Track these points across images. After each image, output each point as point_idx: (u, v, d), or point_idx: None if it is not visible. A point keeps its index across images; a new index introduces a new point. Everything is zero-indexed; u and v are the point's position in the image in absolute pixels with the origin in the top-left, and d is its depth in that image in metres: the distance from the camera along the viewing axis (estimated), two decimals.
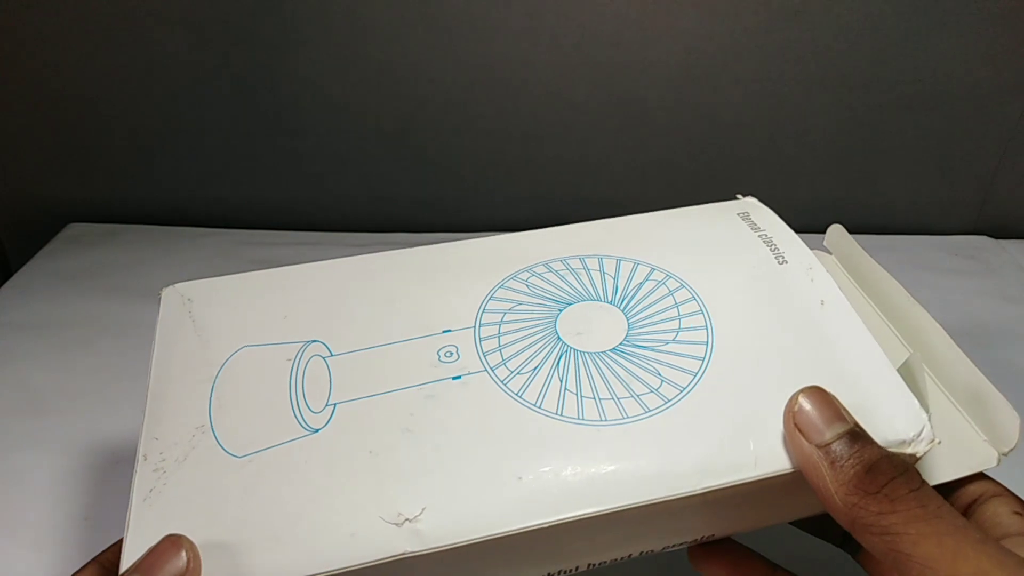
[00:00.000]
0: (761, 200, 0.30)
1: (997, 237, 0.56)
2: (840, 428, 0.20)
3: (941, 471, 0.22)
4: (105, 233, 0.57)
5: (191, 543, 0.19)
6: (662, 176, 0.55)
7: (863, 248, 0.29)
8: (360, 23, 0.49)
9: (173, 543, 0.19)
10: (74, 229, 0.57)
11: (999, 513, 0.22)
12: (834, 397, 0.21)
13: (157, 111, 0.53)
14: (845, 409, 0.21)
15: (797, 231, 0.28)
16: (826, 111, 0.51)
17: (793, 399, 0.21)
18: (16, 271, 0.52)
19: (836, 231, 0.31)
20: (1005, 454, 0.22)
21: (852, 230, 0.56)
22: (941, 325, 0.25)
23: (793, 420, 0.21)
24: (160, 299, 0.26)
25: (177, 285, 0.27)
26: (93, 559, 0.21)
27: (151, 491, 0.21)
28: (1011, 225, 0.56)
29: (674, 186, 0.56)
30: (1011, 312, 0.47)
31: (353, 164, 0.56)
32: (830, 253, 0.31)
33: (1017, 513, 0.21)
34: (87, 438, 0.38)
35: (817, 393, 0.21)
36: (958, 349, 0.24)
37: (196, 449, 0.21)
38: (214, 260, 0.53)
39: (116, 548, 0.21)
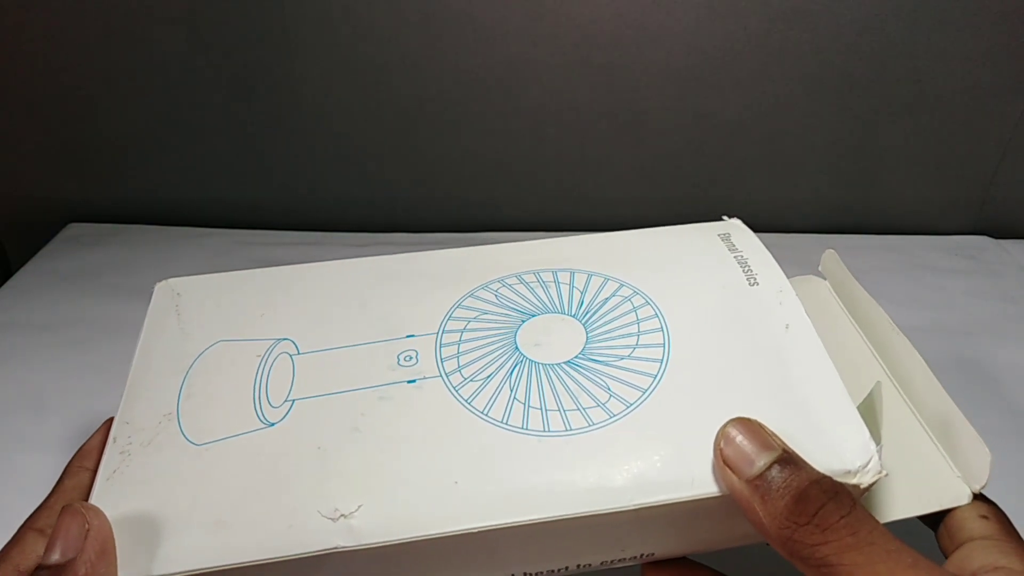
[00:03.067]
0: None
1: (997, 237, 0.56)
2: (767, 458, 0.20)
3: (912, 505, 0.22)
4: (105, 233, 0.57)
5: (88, 506, 0.20)
6: (662, 176, 0.55)
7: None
8: (360, 23, 0.49)
9: (70, 512, 0.20)
10: (74, 229, 0.57)
11: (966, 517, 0.22)
12: (759, 425, 0.21)
13: (157, 111, 0.53)
14: (772, 435, 0.21)
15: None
16: (826, 111, 0.51)
17: (720, 433, 0.21)
18: (16, 271, 0.52)
19: (830, 257, 0.31)
20: (977, 492, 0.22)
21: (852, 230, 0.57)
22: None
23: (721, 456, 0.21)
24: (153, 292, 0.28)
25: (170, 280, 0.28)
26: (24, 525, 0.22)
27: (114, 472, 0.22)
28: (1011, 225, 0.56)
29: (674, 186, 0.56)
30: (1011, 312, 0.47)
31: (353, 164, 0.56)
32: (825, 279, 0.31)
33: (984, 517, 0.21)
34: (87, 438, 0.38)
35: (741, 425, 0.21)
36: (935, 379, 0.24)
37: (160, 435, 0.23)
38: (214, 260, 0.53)
39: (50, 511, 0.22)
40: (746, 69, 0.49)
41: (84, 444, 0.24)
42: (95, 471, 0.23)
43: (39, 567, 0.19)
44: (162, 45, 0.50)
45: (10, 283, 0.51)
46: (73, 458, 0.24)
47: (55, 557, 0.19)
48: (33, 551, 0.21)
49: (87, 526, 0.19)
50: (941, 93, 0.50)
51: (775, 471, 0.20)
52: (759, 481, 0.20)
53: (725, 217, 0.31)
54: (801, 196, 0.55)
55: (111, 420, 0.24)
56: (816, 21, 0.47)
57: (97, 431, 0.24)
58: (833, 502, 0.19)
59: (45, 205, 0.59)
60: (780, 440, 0.21)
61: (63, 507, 0.20)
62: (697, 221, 0.29)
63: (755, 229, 0.29)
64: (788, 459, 0.20)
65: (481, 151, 0.55)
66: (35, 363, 0.43)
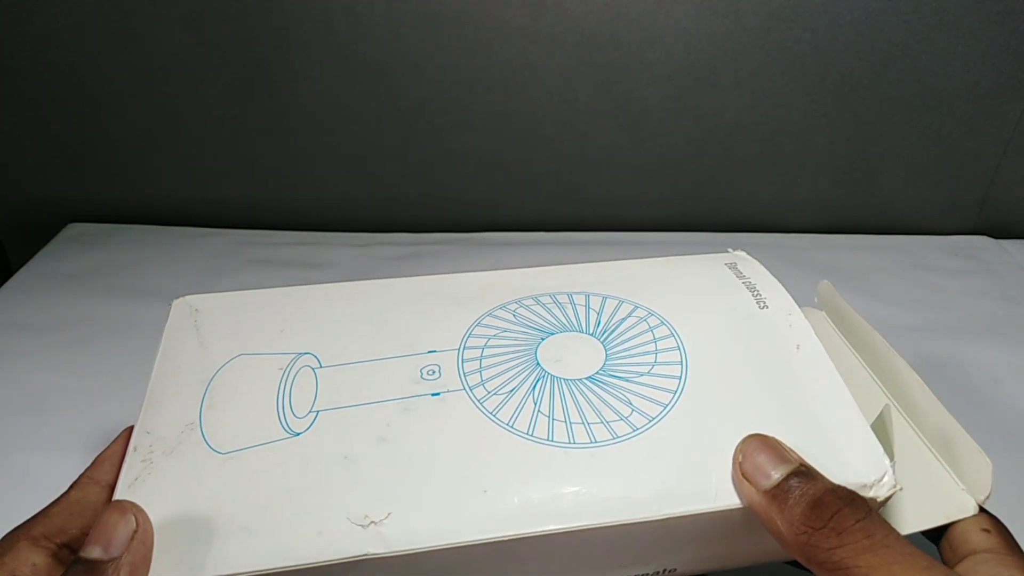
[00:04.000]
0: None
1: (997, 237, 0.56)
2: (784, 470, 0.21)
3: (920, 520, 0.23)
4: (105, 233, 0.57)
5: (136, 506, 0.20)
6: (662, 176, 0.55)
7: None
8: (360, 23, 0.49)
9: (119, 509, 0.20)
10: (74, 229, 0.57)
11: (968, 530, 0.22)
12: (776, 441, 0.22)
13: (157, 111, 0.53)
14: (789, 450, 0.22)
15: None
16: (826, 111, 0.51)
17: (738, 449, 0.22)
18: (16, 271, 0.52)
19: (825, 287, 0.32)
20: (982, 502, 0.22)
21: (852, 230, 0.57)
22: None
23: (740, 470, 0.21)
24: (170, 308, 0.28)
25: (188, 297, 0.28)
26: (19, 530, 0.21)
27: (136, 479, 0.22)
28: (1011, 225, 0.56)
29: (674, 186, 0.56)
30: (1011, 312, 0.47)
31: (353, 164, 0.56)
32: (820, 309, 0.32)
33: (986, 531, 0.22)
34: (87, 438, 0.38)
35: (759, 440, 0.22)
36: (934, 397, 0.25)
37: (183, 444, 0.23)
38: (214, 260, 0.53)
39: (49, 520, 0.22)
40: (746, 69, 0.49)
41: (100, 454, 0.24)
42: (106, 484, 0.23)
43: (76, 560, 0.19)
44: (162, 45, 0.50)
45: (10, 283, 0.51)
46: (87, 469, 0.23)
47: (97, 552, 0.19)
48: (28, 559, 0.20)
49: (135, 526, 0.19)
50: (941, 93, 0.50)
51: (792, 482, 0.20)
52: (776, 491, 0.20)
53: (730, 250, 0.32)
54: (801, 196, 0.55)
55: (129, 429, 0.24)
56: (816, 21, 0.47)
57: (114, 441, 0.24)
58: (849, 507, 0.19)
59: (45, 205, 0.59)
60: (796, 454, 0.21)
61: (112, 502, 0.20)
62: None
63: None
64: (804, 471, 0.21)
65: (481, 151, 0.55)
66: (35, 363, 0.43)
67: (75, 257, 0.54)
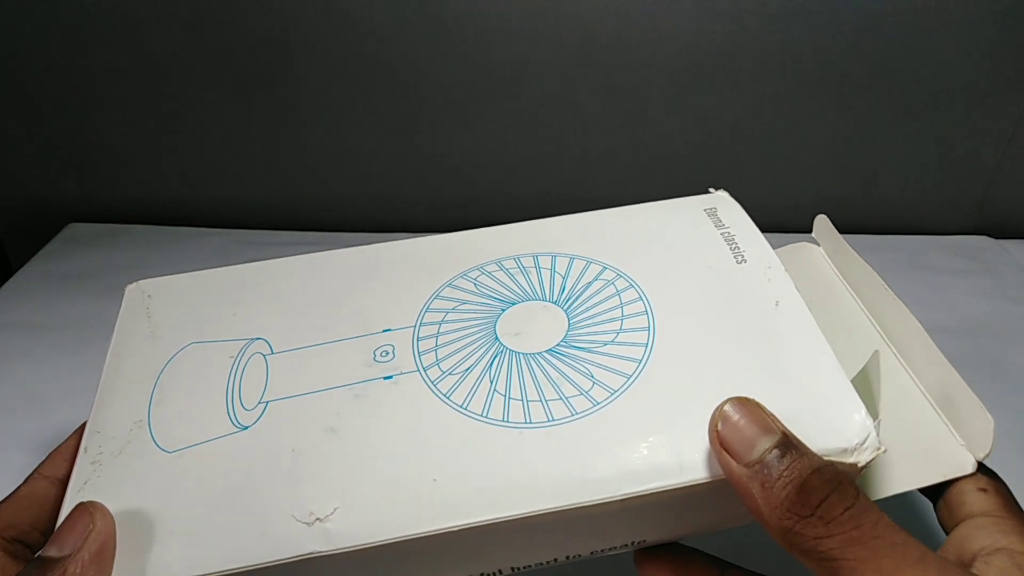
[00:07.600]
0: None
1: (997, 237, 0.56)
2: (767, 442, 0.19)
3: (915, 477, 0.22)
4: (105, 233, 0.57)
5: (101, 507, 0.20)
6: (662, 176, 0.55)
7: (857, 244, 0.29)
8: (360, 23, 0.49)
9: (81, 510, 0.20)
10: (74, 229, 0.57)
11: (965, 491, 0.21)
12: (758, 405, 0.20)
13: (157, 111, 0.53)
14: (772, 417, 0.20)
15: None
16: (826, 111, 0.51)
17: (716, 413, 0.20)
18: (16, 271, 0.52)
19: (822, 222, 0.30)
20: (980, 460, 0.21)
21: (852, 230, 0.57)
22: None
23: (717, 438, 0.19)
24: (124, 295, 0.27)
25: (141, 282, 0.27)
26: None
27: (85, 483, 0.21)
28: (1011, 225, 0.56)
29: (674, 186, 0.56)
30: (1011, 312, 0.47)
31: (353, 164, 0.56)
32: (818, 244, 0.30)
33: (983, 490, 0.21)
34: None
35: (740, 405, 0.20)
36: (935, 346, 0.23)
37: (131, 443, 0.22)
38: (214, 260, 0.53)
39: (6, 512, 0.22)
40: (746, 69, 0.49)
41: (54, 449, 0.24)
42: (56, 479, 0.22)
43: (36, 557, 0.19)
44: (162, 45, 0.50)
45: (10, 283, 0.51)
46: (39, 464, 0.23)
47: (52, 551, 0.19)
48: None
49: (91, 526, 0.19)
50: (941, 93, 0.50)
51: (775, 456, 0.19)
52: (759, 466, 0.19)
53: (712, 189, 0.30)
54: (801, 196, 0.55)
55: (84, 425, 0.23)
56: (816, 21, 0.47)
57: (69, 437, 0.24)
58: (837, 493, 0.18)
59: (45, 205, 0.59)
60: (779, 422, 0.20)
61: (77, 504, 0.20)
62: None
63: None
64: (788, 443, 0.19)
65: (481, 151, 0.55)
66: (35, 363, 0.43)
67: (75, 257, 0.54)
